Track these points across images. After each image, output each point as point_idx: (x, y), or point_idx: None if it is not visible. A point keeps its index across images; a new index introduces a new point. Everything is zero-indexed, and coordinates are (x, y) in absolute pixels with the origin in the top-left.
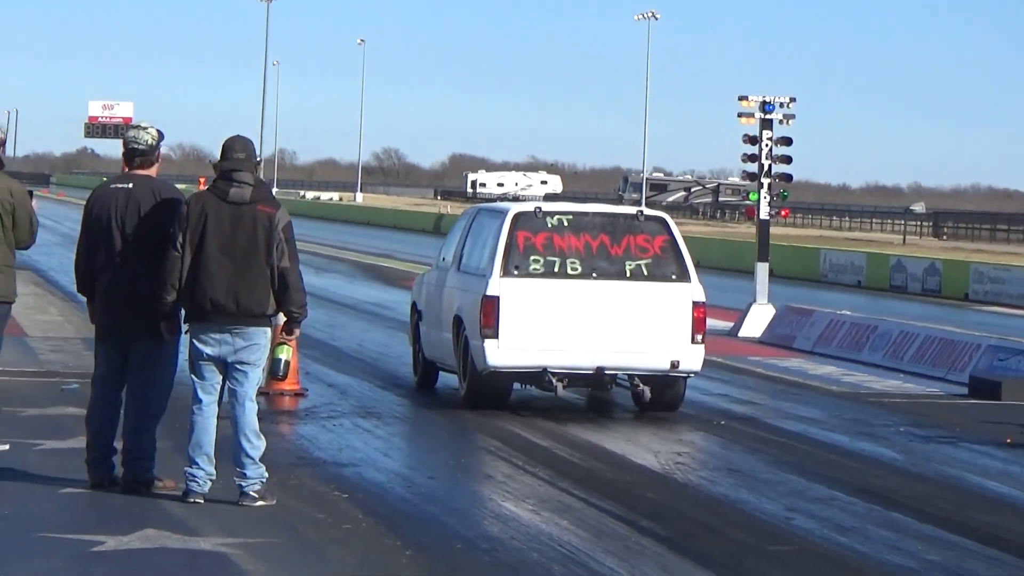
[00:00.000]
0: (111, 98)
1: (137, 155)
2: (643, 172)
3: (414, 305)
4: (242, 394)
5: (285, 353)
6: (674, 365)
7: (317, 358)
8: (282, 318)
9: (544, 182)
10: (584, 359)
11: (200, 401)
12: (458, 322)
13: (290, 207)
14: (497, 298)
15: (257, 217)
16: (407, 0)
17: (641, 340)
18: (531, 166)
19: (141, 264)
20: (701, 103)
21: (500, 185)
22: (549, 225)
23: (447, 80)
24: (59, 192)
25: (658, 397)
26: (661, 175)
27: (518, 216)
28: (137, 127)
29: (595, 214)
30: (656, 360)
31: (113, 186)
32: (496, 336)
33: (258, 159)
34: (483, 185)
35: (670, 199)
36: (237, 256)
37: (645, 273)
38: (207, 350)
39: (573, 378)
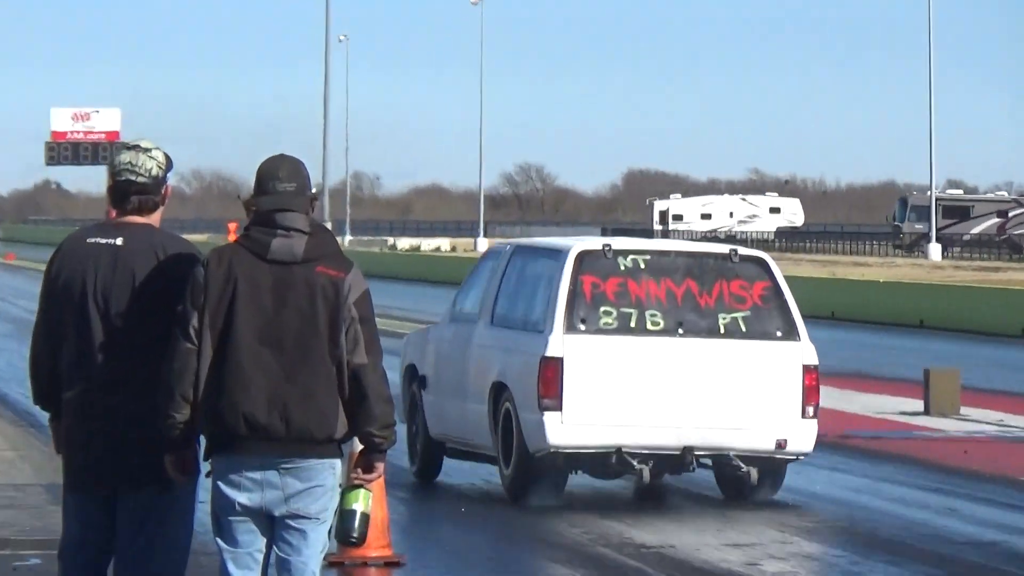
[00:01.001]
0: (86, 103)
1: (132, 192)
2: (931, 189)
3: (411, 369)
4: (299, 567)
5: (363, 502)
6: (780, 445)
7: (419, 500)
8: (357, 445)
9: (775, 209)
10: (668, 437)
11: None
12: (498, 390)
13: (371, 264)
14: (561, 360)
15: (315, 284)
16: None
17: (739, 413)
18: (753, 185)
19: (134, 364)
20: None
21: (706, 217)
22: (622, 267)
23: (610, 66)
24: (7, 254)
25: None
26: (959, 192)
27: (582, 255)
28: (132, 148)
29: (678, 253)
30: (757, 439)
31: (92, 240)
32: (559, 408)
33: (314, 191)
34: (678, 217)
35: (976, 229)
36: (285, 346)
37: (743, 329)
38: (241, 498)
39: (653, 460)
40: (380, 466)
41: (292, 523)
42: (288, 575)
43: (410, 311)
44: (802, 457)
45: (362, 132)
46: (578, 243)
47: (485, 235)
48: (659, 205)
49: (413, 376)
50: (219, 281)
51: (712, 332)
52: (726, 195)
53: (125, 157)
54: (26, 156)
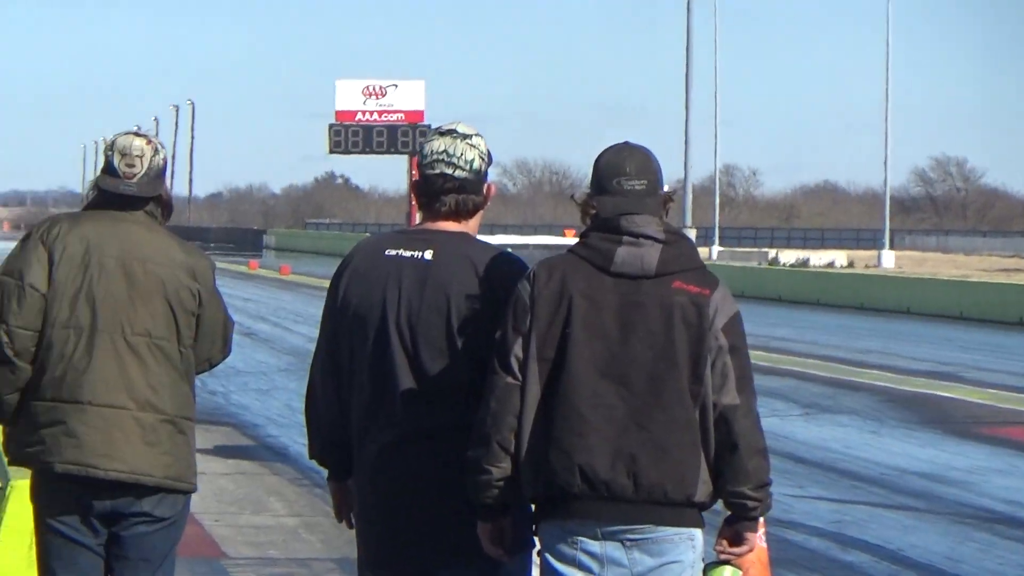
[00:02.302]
0: (380, 74)
1: (447, 190)
2: None
3: None
4: None
5: None
6: None
7: None
8: (722, 510)
9: None
10: None
11: None
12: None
13: (744, 282)
14: None
15: (672, 303)
16: None
17: None
18: None
19: (448, 409)
20: None
21: None
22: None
23: None
24: (281, 266)
25: None
26: None
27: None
28: (446, 134)
29: None
30: None
31: (392, 253)
32: None
33: (668, 189)
34: None
35: None
36: (633, 383)
37: None
38: None
39: None
40: (751, 537)
41: None
42: None
43: (793, 341)
44: None
45: (735, 117)
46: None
47: (891, 247)
48: None
49: None
50: (550, 300)
51: None
52: None
53: (438, 145)
54: (304, 143)
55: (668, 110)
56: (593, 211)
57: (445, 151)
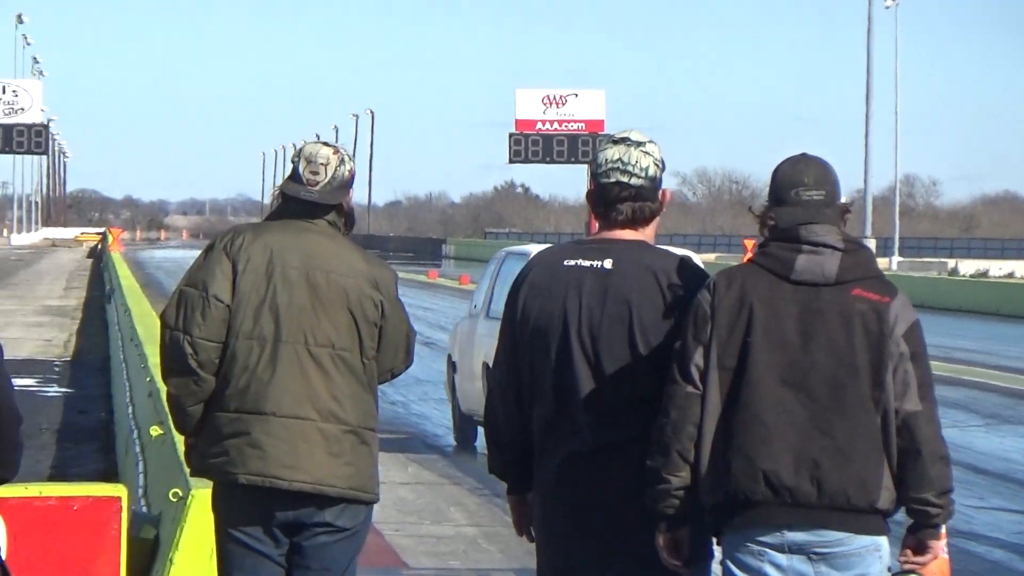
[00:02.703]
0: (560, 83)
1: (623, 198)
2: None
3: (449, 358)
4: None
5: None
6: None
7: None
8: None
9: None
10: None
11: None
12: (485, 369)
13: (923, 292)
14: None
15: (852, 311)
16: None
17: None
18: None
19: (630, 420)
20: None
21: None
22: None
23: None
24: (461, 275)
25: None
26: None
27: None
28: (620, 142)
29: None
30: None
31: (571, 263)
32: None
33: (846, 200)
34: None
35: None
36: (814, 389)
37: None
38: None
39: None
40: (935, 545)
41: None
42: None
43: (974, 352)
44: None
45: (915, 126)
46: (539, 247)
47: None
48: None
49: (450, 363)
50: (730, 308)
51: None
52: None
53: (612, 153)
54: (483, 151)
55: (847, 120)
56: (771, 222)
57: (620, 159)
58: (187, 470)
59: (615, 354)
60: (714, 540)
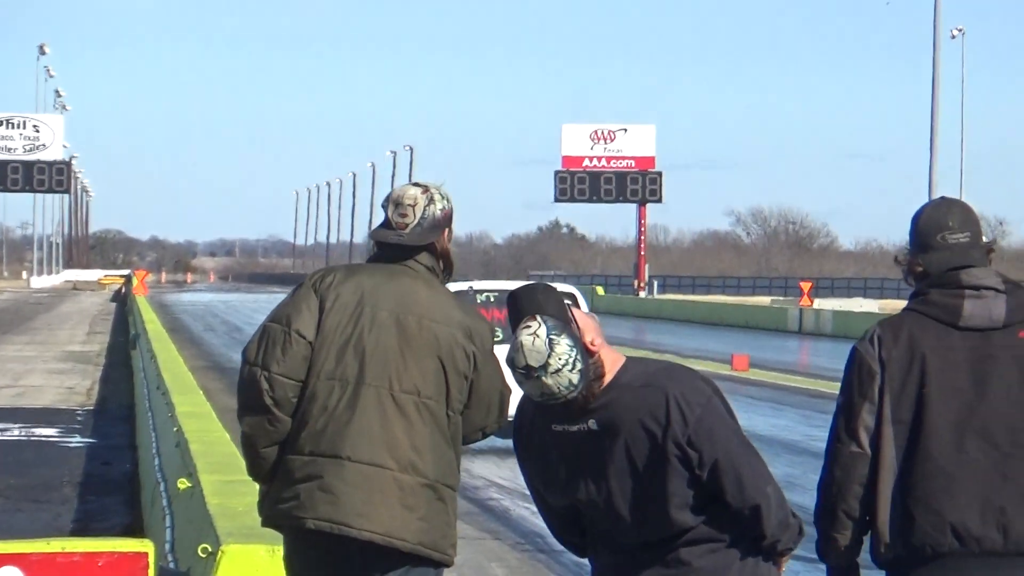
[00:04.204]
0: (609, 118)
1: None
2: None
3: None
4: None
5: None
6: None
7: None
8: None
9: None
10: None
11: None
12: None
13: None
14: None
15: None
16: None
17: None
18: None
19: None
20: None
21: None
22: (479, 300)
23: None
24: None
25: None
26: None
27: (462, 292)
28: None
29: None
30: None
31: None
32: None
33: (990, 239)
34: None
35: None
36: (995, 436)
37: None
38: None
39: None
40: None
41: None
42: None
43: None
44: None
45: (980, 162)
46: (471, 284)
47: None
48: None
49: None
50: (900, 360)
51: None
52: None
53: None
54: (527, 190)
55: (907, 157)
56: (920, 268)
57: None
58: (216, 525)
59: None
60: None
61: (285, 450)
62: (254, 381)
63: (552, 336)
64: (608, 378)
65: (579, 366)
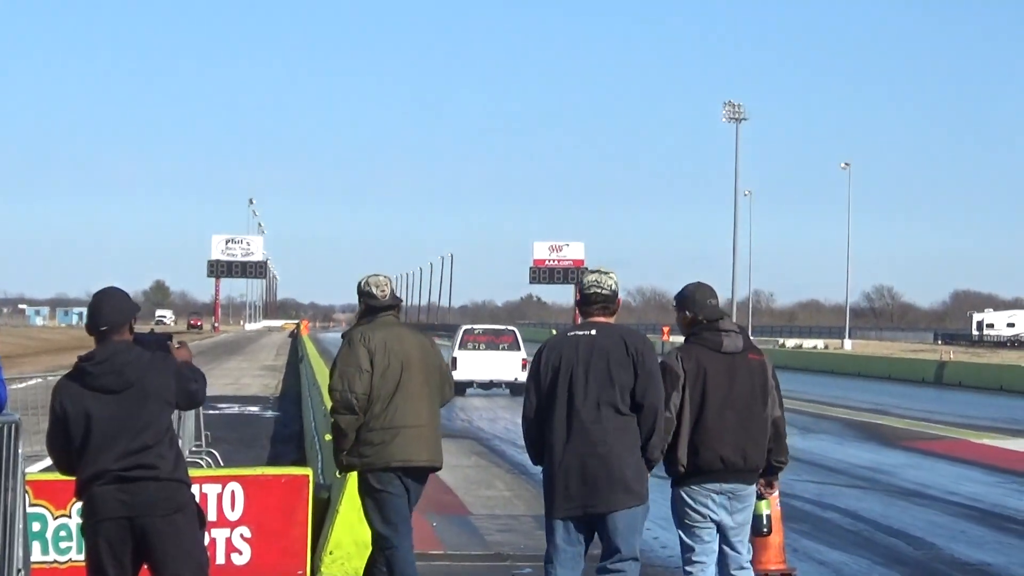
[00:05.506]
0: (559, 237)
1: (598, 301)
2: None
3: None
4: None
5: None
6: None
7: (805, 532)
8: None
9: None
10: None
11: None
12: None
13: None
14: (456, 359)
15: (752, 366)
16: (897, 117)
17: None
18: None
19: (608, 414)
20: None
21: (1011, 325)
22: (475, 333)
23: (945, 208)
24: None
25: None
26: None
27: (464, 330)
28: (597, 271)
29: (486, 330)
30: None
31: (571, 334)
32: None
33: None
34: (990, 326)
35: None
36: (740, 410)
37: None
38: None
39: None
40: (776, 485)
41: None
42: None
43: (797, 392)
44: None
45: (761, 259)
46: (467, 326)
47: (850, 337)
48: (976, 316)
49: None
50: (692, 370)
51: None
52: None
53: (593, 277)
54: (514, 276)
55: (724, 256)
56: (701, 319)
57: (596, 280)
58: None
59: (599, 380)
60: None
61: (361, 431)
62: (347, 400)
63: (614, 274)
64: (611, 320)
65: (616, 287)
